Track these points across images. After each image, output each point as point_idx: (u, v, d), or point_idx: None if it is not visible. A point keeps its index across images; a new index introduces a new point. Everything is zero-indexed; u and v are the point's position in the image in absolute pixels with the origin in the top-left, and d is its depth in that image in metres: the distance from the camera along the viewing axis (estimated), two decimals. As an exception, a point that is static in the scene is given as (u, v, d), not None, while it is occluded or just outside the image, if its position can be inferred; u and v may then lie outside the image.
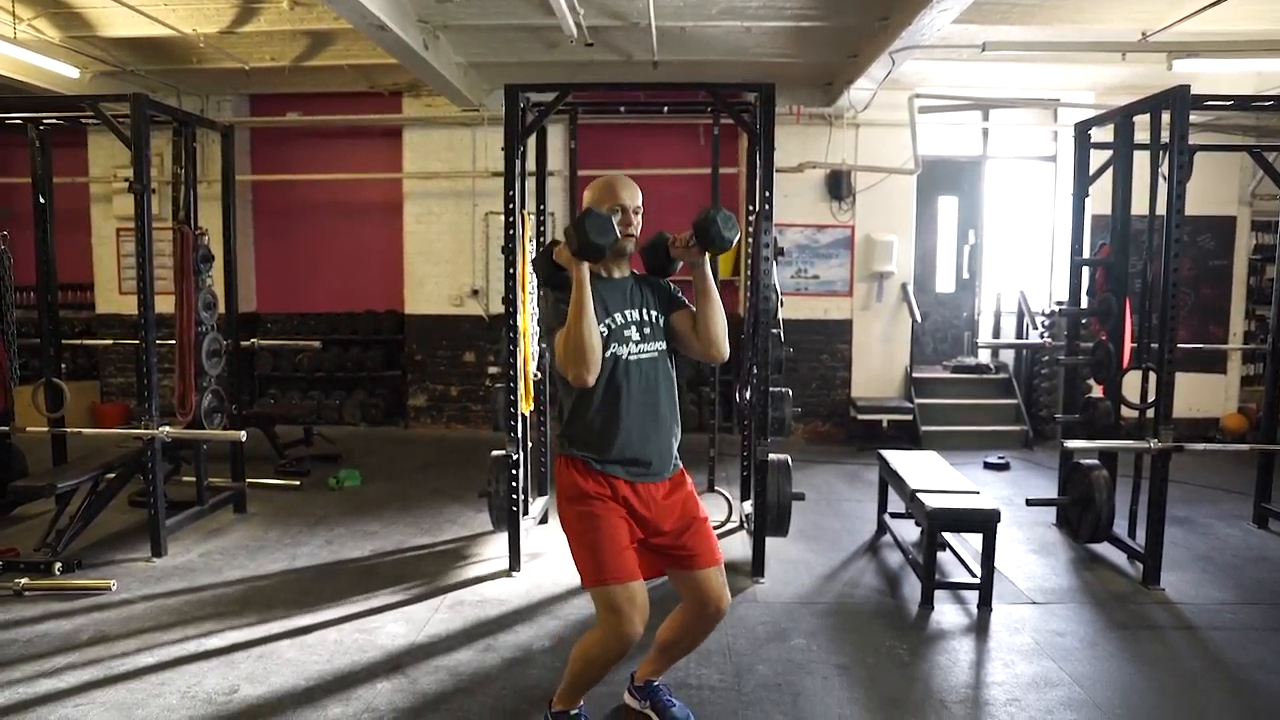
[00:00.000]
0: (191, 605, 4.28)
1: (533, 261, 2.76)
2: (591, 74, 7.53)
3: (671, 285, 3.00)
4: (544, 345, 5.02)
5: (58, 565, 4.59)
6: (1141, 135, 5.18)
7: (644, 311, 2.87)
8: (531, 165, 5.54)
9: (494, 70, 7.88)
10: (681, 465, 2.97)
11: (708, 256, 2.84)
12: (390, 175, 9.05)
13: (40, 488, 4.91)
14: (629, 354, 2.81)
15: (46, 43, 7.02)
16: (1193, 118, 4.53)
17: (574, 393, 2.80)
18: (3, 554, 4.73)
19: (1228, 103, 4.79)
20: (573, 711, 2.99)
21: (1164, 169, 4.66)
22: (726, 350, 2.88)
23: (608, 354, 2.77)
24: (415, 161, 8.96)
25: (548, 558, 4.97)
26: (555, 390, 2.94)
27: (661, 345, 2.88)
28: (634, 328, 2.83)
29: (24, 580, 4.39)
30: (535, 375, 5.14)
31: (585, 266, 2.66)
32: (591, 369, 2.66)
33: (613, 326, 2.79)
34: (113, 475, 5.18)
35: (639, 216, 2.86)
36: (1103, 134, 5.58)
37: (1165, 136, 4.66)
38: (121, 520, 5.54)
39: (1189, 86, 4.45)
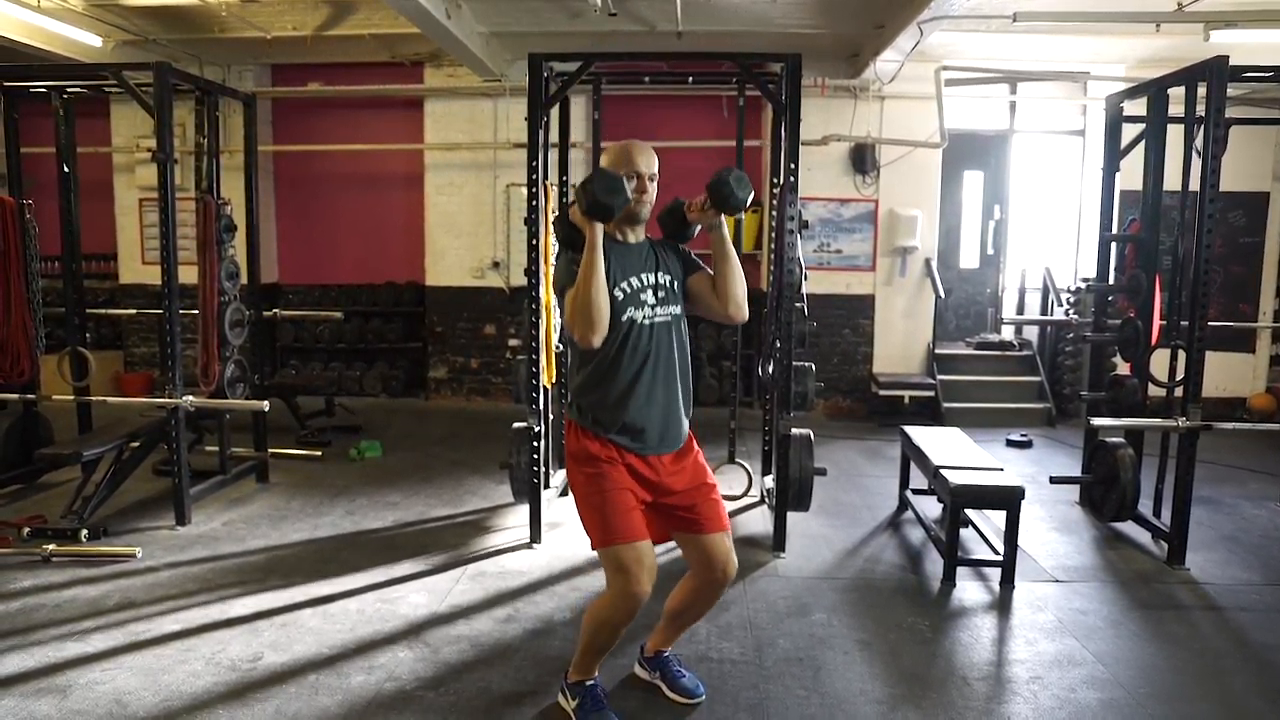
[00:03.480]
0: (215, 573, 4.32)
1: (553, 222, 2.77)
2: (615, 44, 7.46)
3: (688, 250, 2.99)
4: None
5: (84, 532, 4.64)
6: (1174, 109, 5.08)
7: (660, 275, 2.86)
8: (554, 137, 5.50)
9: (516, 40, 7.82)
10: (690, 432, 2.97)
11: (724, 218, 2.82)
12: (412, 146, 9.02)
13: (66, 455, 4.97)
14: (644, 318, 2.80)
15: (69, 11, 7.02)
16: (1228, 91, 4.43)
17: (588, 356, 2.79)
18: (30, 520, 4.78)
19: (1268, 74, 4.66)
20: (588, 682, 3.00)
21: (1198, 143, 4.56)
22: (746, 310, 2.87)
23: (624, 318, 2.76)
24: (437, 133, 8.92)
25: (568, 529, 4.97)
26: (569, 354, 2.92)
27: (677, 309, 2.87)
28: (650, 291, 2.82)
29: (51, 546, 4.44)
30: (557, 348, 5.13)
31: (598, 227, 2.64)
32: (597, 329, 2.65)
33: (628, 290, 2.78)
34: (137, 444, 5.23)
35: (654, 184, 2.85)
36: (1134, 108, 5.48)
37: (1200, 110, 4.56)
38: (146, 489, 5.59)
39: (1227, 57, 4.35)
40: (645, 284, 2.82)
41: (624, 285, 2.78)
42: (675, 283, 2.89)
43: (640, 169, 2.80)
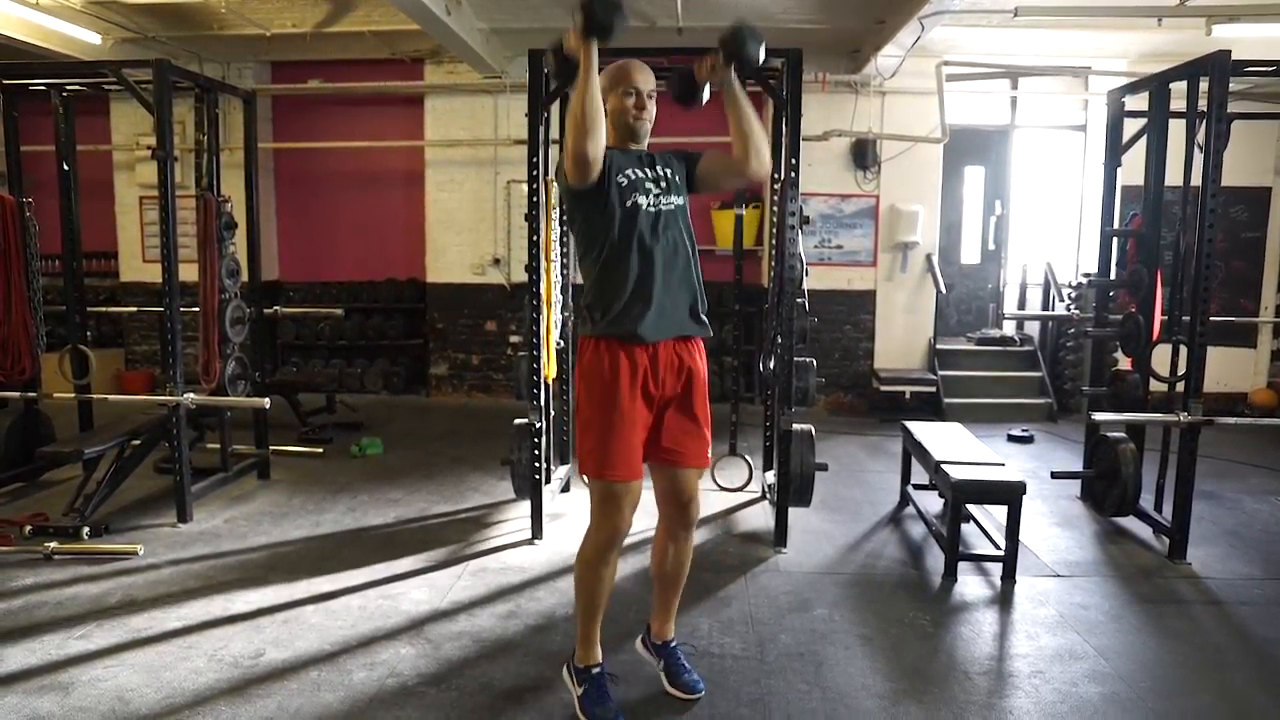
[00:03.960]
0: (217, 570, 4.33)
1: (547, 55, 2.80)
2: (615, 41, 7.43)
3: (685, 150, 3.05)
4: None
5: (85, 530, 4.64)
6: (1176, 104, 5.07)
7: (660, 169, 2.90)
8: (555, 133, 5.49)
9: (516, 36, 7.81)
10: (709, 333, 2.99)
11: (735, 74, 2.85)
12: (412, 143, 9.02)
13: (67, 453, 4.97)
14: (649, 204, 2.84)
15: (69, 8, 7.01)
16: (1230, 85, 4.42)
17: (600, 247, 2.83)
18: (32, 519, 4.78)
19: (1270, 69, 4.66)
20: (594, 669, 3.01)
21: (1200, 138, 4.56)
22: (769, 163, 2.93)
23: (628, 203, 2.81)
24: (437, 129, 8.91)
25: (570, 526, 4.97)
26: (582, 265, 2.95)
27: (680, 200, 2.92)
28: (651, 182, 2.87)
29: (53, 544, 4.44)
30: (558, 344, 5.12)
31: (593, 50, 2.65)
32: (594, 136, 2.64)
33: (631, 177, 2.83)
34: (138, 442, 5.23)
35: (653, 101, 2.90)
36: (1135, 103, 5.47)
37: (1202, 105, 4.55)
38: (147, 486, 5.59)
39: (1229, 52, 4.34)
40: (646, 175, 2.87)
41: (626, 174, 2.83)
42: (678, 177, 2.94)
43: (639, 85, 2.85)
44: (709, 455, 3.05)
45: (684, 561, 3.14)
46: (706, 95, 2.99)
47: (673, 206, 2.89)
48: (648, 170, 2.88)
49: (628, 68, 2.86)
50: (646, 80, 2.86)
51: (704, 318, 2.96)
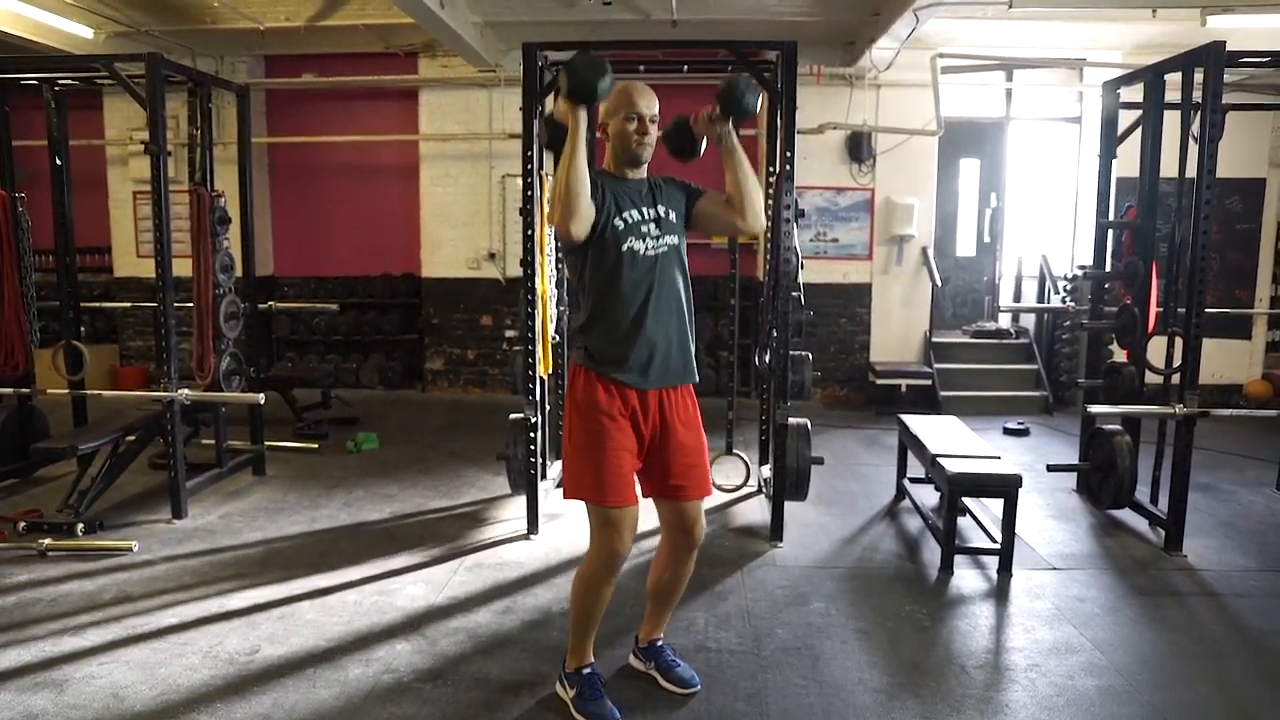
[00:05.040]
0: (212, 566, 4.32)
1: (536, 123, 2.77)
2: (609, 33, 7.42)
3: (688, 181, 3.02)
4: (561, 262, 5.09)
5: (80, 526, 4.62)
6: (1171, 95, 5.07)
7: (659, 209, 2.87)
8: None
9: (510, 30, 7.77)
10: (697, 379, 2.98)
11: (732, 126, 2.84)
12: (407, 137, 8.99)
13: (62, 449, 4.95)
14: (646, 249, 2.81)
15: (61, 2, 6.97)
16: (1225, 76, 4.41)
17: (593, 291, 2.81)
18: (26, 515, 4.77)
19: (1265, 59, 4.65)
20: (585, 670, 3.01)
21: (1195, 129, 4.55)
22: (764, 218, 2.93)
23: (624, 248, 2.77)
24: (432, 123, 8.88)
25: (565, 521, 4.97)
26: (576, 298, 2.94)
27: (677, 240, 2.89)
28: (651, 224, 2.83)
29: (47, 541, 4.43)
30: (554, 338, 5.11)
31: (581, 114, 2.63)
32: (576, 214, 2.62)
33: (629, 220, 2.79)
34: (133, 437, 5.21)
35: (655, 126, 2.85)
36: (1130, 94, 5.46)
37: (1197, 96, 4.55)
38: (142, 482, 5.58)
39: (1224, 43, 4.33)
40: (645, 216, 2.83)
41: (625, 216, 2.79)
42: (675, 215, 2.90)
43: (641, 110, 2.79)
44: (711, 482, 3.03)
45: (682, 581, 3.13)
46: (704, 147, 2.97)
47: (667, 248, 2.85)
48: (647, 209, 2.83)
49: (630, 91, 2.80)
50: (649, 104, 2.80)
51: (692, 360, 2.94)
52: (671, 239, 2.86)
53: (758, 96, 2.78)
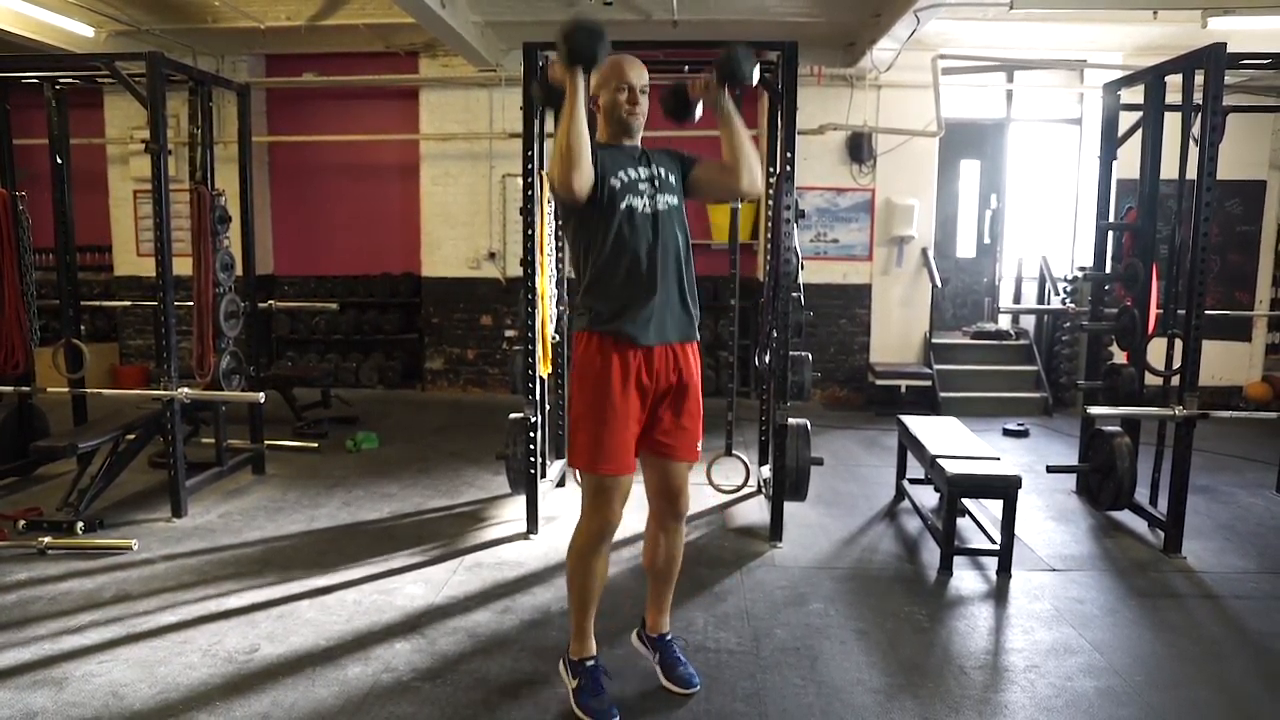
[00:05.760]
0: (212, 565, 4.32)
1: (533, 86, 2.81)
2: (611, 33, 7.38)
3: (681, 151, 3.05)
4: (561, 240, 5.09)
5: (80, 525, 4.62)
6: (1171, 97, 5.07)
7: (654, 169, 2.89)
8: (550, 127, 5.46)
9: (511, 29, 7.78)
10: (698, 338, 3.01)
11: (729, 93, 2.86)
12: (407, 136, 8.99)
13: (61, 448, 4.95)
14: (643, 206, 2.83)
15: (61, 0, 6.97)
16: (1225, 78, 4.41)
17: (594, 252, 2.83)
18: (26, 513, 4.77)
19: (1266, 61, 4.65)
20: (588, 662, 3.01)
21: (1195, 131, 4.55)
22: (761, 181, 2.95)
23: (623, 205, 2.80)
24: (432, 123, 8.89)
25: (565, 521, 4.97)
26: (577, 263, 2.96)
27: (674, 199, 2.91)
28: (645, 183, 2.86)
29: (47, 539, 4.43)
30: (554, 338, 5.11)
31: (579, 78, 2.65)
32: (577, 166, 2.64)
33: (625, 180, 2.82)
34: (133, 436, 5.21)
35: (645, 96, 2.89)
36: (1131, 96, 5.46)
37: (1197, 97, 4.55)
38: (142, 481, 5.58)
39: (1225, 44, 4.33)
40: (640, 175, 2.86)
41: (620, 175, 2.82)
42: (672, 177, 2.93)
43: (632, 81, 2.85)
44: (699, 450, 3.06)
45: (676, 554, 3.14)
46: (699, 113, 2.98)
47: (667, 206, 2.88)
48: (641, 169, 2.87)
49: (620, 63, 2.85)
50: (639, 76, 2.86)
51: (695, 319, 2.97)
52: (670, 198, 2.89)
53: (754, 65, 2.81)
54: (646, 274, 2.82)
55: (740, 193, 2.96)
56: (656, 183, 2.87)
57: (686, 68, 6.13)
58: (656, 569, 3.16)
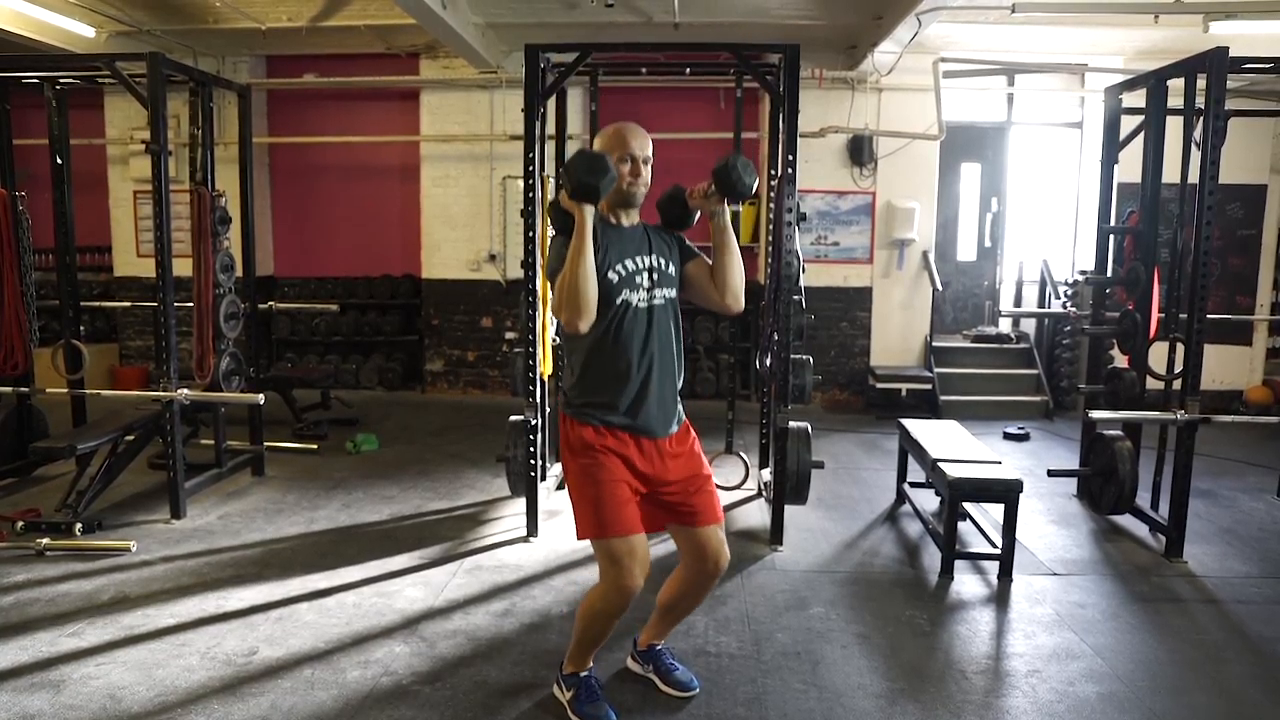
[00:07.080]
0: (211, 567, 4.31)
1: (547, 208, 2.75)
2: (611, 35, 7.42)
3: (683, 237, 2.98)
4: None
5: (78, 526, 4.61)
6: (1173, 101, 5.06)
7: (655, 259, 2.82)
8: (551, 128, 5.46)
9: (512, 31, 7.77)
10: (685, 418, 2.95)
11: (726, 206, 2.81)
12: (408, 138, 8.99)
13: (61, 449, 4.93)
14: (639, 300, 2.77)
15: (62, 0, 6.97)
16: (1227, 82, 4.40)
17: (584, 343, 2.76)
18: (25, 514, 4.76)
19: (1268, 66, 4.65)
20: (582, 673, 3.00)
21: (1197, 135, 4.55)
22: (742, 302, 2.88)
23: (619, 300, 2.73)
24: (433, 124, 8.88)
25: (565, 523, 4.95)
26: (564, 347, 2.91)
27: (671, 292, 2.85)
28: (645, 274, 2.79)
29: (45, 540, 4.42)
30: (554, 340, 5.11)
31: (587, 210, 2.60)
32: (584, 314, 2.61)
33: (623, 273, 2.75)
34: (132, 437, 5.20)
35: (649, 166, 2.81)
36: (1132, 100, 5.46)
37: (1199, 101, 4.55)
38: (141, 482, 5.57)
39: (1227, 49, 4.32)
40: (640, 266, 2.78)
41: (619, 268, 2.74)
42: (670, 266, 2.86)
43: (633, 151, 2.76)
44: (721, 510, 2.95)
45: (697, 605, 3.11)
46: (696, 219, 2.94)
47: (664, 300, 2.81)
48: (641, 259, 2.79)
49: (622, 132, 2.77)
50: (642, 145, 2.76)
51: (680, 410, 2.91)
52: (667, 291, 2.83)
53: (754, 178, 2.73)
54: (637, 372, 2.75)
55: (719, 309, 2.89)
56: (655, 275, 2.80)
57: (688, 70, 6.15)
58: (673, 610, 3.11)
